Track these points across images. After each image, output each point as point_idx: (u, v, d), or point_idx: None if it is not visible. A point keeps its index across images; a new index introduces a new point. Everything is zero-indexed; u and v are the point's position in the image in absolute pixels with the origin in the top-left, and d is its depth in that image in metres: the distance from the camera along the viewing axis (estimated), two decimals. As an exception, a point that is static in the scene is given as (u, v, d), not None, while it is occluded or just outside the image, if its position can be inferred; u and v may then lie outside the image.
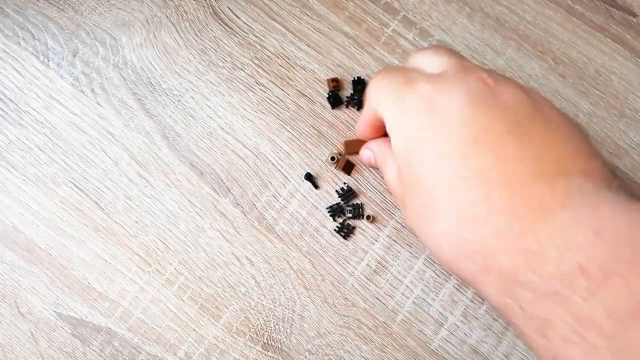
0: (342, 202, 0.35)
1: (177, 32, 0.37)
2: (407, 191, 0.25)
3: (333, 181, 0.35)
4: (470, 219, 0.22)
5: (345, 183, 0.35)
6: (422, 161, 0.24)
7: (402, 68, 0.28)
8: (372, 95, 0.27)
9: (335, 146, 0.36)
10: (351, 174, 0.35)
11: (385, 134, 0.31)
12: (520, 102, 0.23)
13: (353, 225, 0.35)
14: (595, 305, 0.18)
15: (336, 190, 0.35)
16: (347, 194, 0.35)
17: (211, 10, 0.37)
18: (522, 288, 0.20)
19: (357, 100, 0.35)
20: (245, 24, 0.37)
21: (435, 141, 0.23)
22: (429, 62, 0.27)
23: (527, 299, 0.20)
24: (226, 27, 0.37)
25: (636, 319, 0.17)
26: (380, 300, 0.34)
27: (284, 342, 0.34)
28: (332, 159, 0.35)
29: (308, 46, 0.36)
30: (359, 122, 0.31)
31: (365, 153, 0.32)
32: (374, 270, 0.34)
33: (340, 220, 0.35)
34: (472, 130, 0.23)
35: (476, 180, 0.22)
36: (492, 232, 0.22)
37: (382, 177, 0.33)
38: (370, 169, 0.35)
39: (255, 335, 0.34)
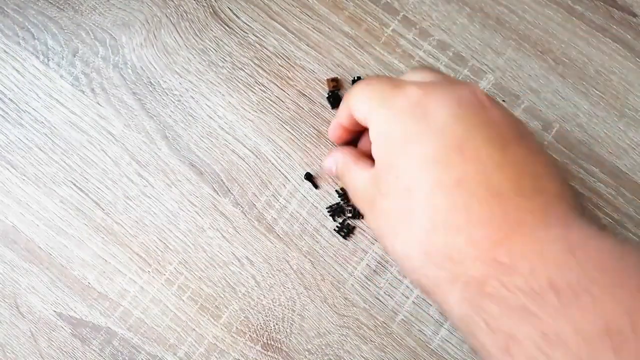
0: (342, 202, 0.35)
1: (177, 32, 0.37)
2: (382, 195, 0.25)
3: (333, 181, 0.35)
4: (446, 225, 0.22)
5: (345, 183, 0.35)
6: (405, 164, 0.24)
7: (389, 76, 0.28)
8: (355, 98, 0.27)
9: (335, 145, 0.36)
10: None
11: (353, 141, 0.31)
12: (507, 122, 0.24)
13: (353, 225, 0.35)
14: (564, 323, 0.18)
15: (336, 190, 0.35)
16: (347, 193, 0.35)
17: (211, 10, 0.37)
18: (489, 300, 0.20)
19: (357, 100, 0.36)
20: (245, 24, 0.37)
21: (420, 145, 0.23)
22: (421, 75, 0.27)
23: (493, 312, 0.20)
24: (226, 27, 0.37)
25: (604, 339, 0.17)
26: (380, 300, 0.34)
27: (283, 342, 0.34)
28: None
29: (308, 46, 0.36)
30: (332, 126, 0.30)
31: (327, 162, 0.31)
32: (374, 270, 0.34)
33: (340, 220, 0.35)
34: (458, 137, 0.23)
35: (457, 188, 0.22)
36: (466, 241, 0.21)
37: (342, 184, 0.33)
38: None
39: (255, 335, 0.34)
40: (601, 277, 0.18)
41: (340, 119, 0.29)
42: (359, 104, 0.27)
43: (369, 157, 0.28)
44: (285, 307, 0.34)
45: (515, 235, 0.21)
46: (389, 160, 0.25)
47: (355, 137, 0.31)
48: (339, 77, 0.36)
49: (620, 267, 0.19)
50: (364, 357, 0.34)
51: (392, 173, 0.24)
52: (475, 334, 0.21)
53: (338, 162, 0.30)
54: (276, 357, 0.34)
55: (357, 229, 0.35)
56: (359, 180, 0.28)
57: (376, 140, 0.26)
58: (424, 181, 0.23)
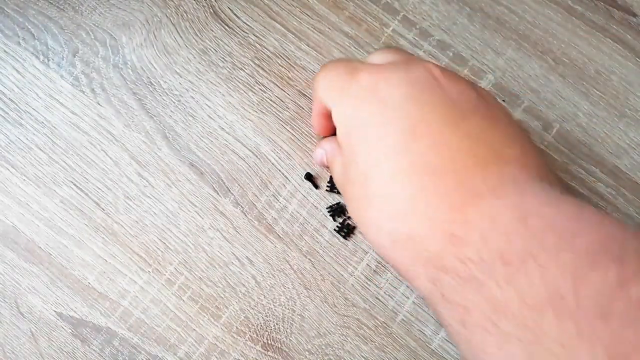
0: (342, 202, 0.35)
1: (177, 32, 0.37)
2: (349, 183, 0.25)
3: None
4: (405, 207, 0.22)
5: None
6: (362, 150, 0.24)
7: (346, 59, 0.27)
8: (319, 89, 0.27)
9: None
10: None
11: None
12: (465, 95, 0.23)
13: (353, 225, 0.35)
14: (510, 292, 0.17)
15: (327, 185, 0.35)
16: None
17: (211, 10, 0.37)
18: (445, 274, 0.20)
19: (357, 100, 0.35)
20: (245, 24, 0.37)
21: (375, 130, 0.23)
22: (380, 57, 0.27)
23: (449, 285, 0.20)
24: (226, 27, 0.37)
25: (548, 308, 0.16)
26: (380, 300, 0.34)
27: (284, 342, 0.34)
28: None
29: (308, 46, 0.37)
30: (312, 117, 0.30)
31: (317, 152, 0.31)
32: (374, 270, 0.34)
33: (341, 220, 0.35)
34: (412, 118, 0.22)
35: (413, 170, 0.22)
36: (423, 218, 0.21)
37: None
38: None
39: (255, 335, 0.34)
40: (550, 242, 0.18)
41: (315, 109, 0.29)
42: (322, 93, 0.27)
43: None
44: (286, 307, 0.34)
45: (469, 206, 0.20)
46: (349, 148, 0.25)
47: None
48: (339, 77, 0.36)
49: (571, 229, 0.18)
50: (364, 357, 0.34)
51: (353, 159, 0.24)
52: (436, 309, 0.21)
53: (327, 152, 0.30)
54: (276, 357, 0.34)
55: (357, 229, 0.35)
56: (338, 169, 0.27)
57: (338, 129, 0.25)
58: (381, 168, 0.23)
